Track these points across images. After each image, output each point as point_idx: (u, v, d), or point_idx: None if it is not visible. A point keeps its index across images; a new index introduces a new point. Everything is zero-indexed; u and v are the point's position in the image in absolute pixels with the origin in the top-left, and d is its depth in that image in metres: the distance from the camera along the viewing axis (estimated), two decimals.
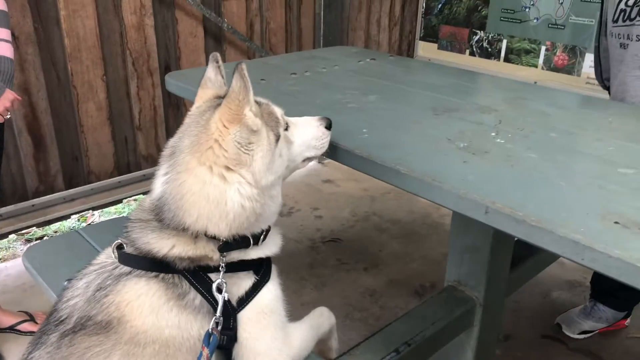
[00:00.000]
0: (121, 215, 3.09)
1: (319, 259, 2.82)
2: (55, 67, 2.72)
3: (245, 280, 1.07)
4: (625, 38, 1.83)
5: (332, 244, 2.96)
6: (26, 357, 0.99)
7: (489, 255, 1.43)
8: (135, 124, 3.10)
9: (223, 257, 1.03)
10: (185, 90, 1.75)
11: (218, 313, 1.00)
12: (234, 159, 0.97)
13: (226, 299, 1.01)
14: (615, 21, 1.85)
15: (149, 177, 1.08)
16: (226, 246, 1.02)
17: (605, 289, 2.22)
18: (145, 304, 0.97)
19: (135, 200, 3.16)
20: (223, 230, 0.99)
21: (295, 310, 1.22)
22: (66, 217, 2.97)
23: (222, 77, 1.14)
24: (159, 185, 1.02)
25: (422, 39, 4.32)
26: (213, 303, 1.01)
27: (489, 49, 3.87)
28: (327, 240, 2.99)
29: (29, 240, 2.94)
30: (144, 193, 1.33)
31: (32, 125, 2.71)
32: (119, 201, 3.11)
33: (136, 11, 2.90)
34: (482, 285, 1.48)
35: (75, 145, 2.89)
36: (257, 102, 1.03)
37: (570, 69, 3.47)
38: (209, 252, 1.02)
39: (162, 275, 1.00)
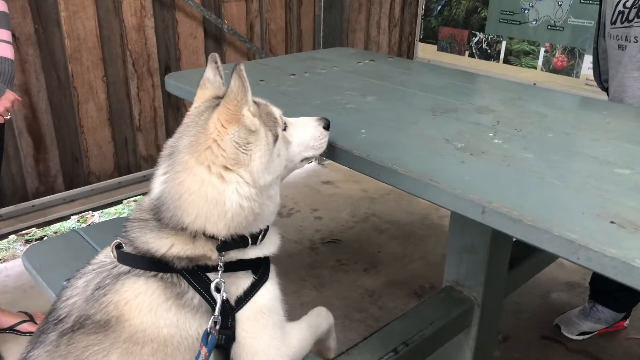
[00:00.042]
0: (121, 216, 3.09)
1: (319, 259, 2.82)
2: (56, 68, 2.72)
3: (244, 280, 1.08)
4: (624, 39, 1.84)
5: (331, 245, 2.96)
6: (25, 356, 0.99)
7: (487, 255, 1.44)
8: (135, 125, 3.10)
9: (221, 256, 1.03)
10: (185, 91, 1.76)
11: (216, 312, 1.00)
12: (232, 159, 0.98)
13: (224, 298, 1.02)
14: (614, 23, 1.86)
15: (149, 178, 1.08)
16: (224, 246, 1.03)
17: (605, 290, 2.23)
18: (144, 303, 0.98)
19: (135, 201, 3.16)
20: (221, 230, 1.00)
21: (295, 311, 1.22)
22: (66, 217, 2.97)
23: (221, 77, 1.14)
24: (157, 184, 1.03)
25: (422, 40, 4.32)
26: (211, 302, 1.02)
27: (488, 51, 3.88)
28: (327, 241, 2.99)
29: (28, 241, 2.94)
30: (144, 194, 1.34)
31: (33, 126, 2.72)
32: (119, 202, 3.12)
33: (136, 12, 2.91)
34: (481, 285, 1.48)
35: (75, 146, 2.90)
36: (255, 103, 1.03)
37: (569, 71, 3.48)
38: (208, 251, 1.03)
39: (160, 274, 1.01)
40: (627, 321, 2.32)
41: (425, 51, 4.32)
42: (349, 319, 2.36)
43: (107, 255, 1.07)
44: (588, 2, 3.26)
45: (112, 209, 3.16)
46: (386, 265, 2.79)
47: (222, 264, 1.03)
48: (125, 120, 3.06)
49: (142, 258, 1.02)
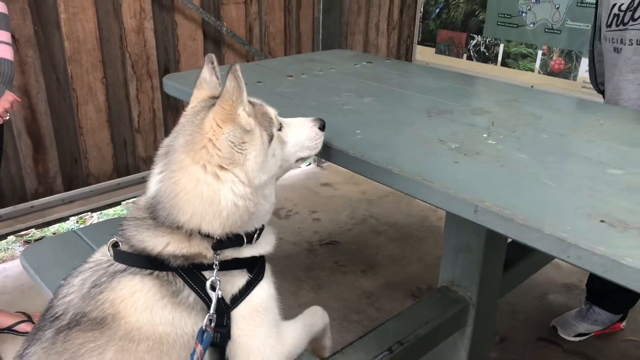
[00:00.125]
0: (119, 216, 3.10)
1: (317, 261, 2.83)
2: (55, 69, 2.74)
3: (239, 279, 1.08)
4: (619, 42, 1.85)
5: (329, 247, 2.97)
6: (21, 353, 1.00)
7: (482, 255, 1.45)
8: (135, 127, 3.11)
9: (217, 255, 1.04)
10: (183, 92, 1.77)
11: (212, 310, 1.01)
12: (228, 158, 0.99)
13: (220, 296, 1.03)
14: (609, 26, 1.87)
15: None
16: (220, 244, 1.03)
17: (601, 292, 2.23)
18: (140, 300, 0.99)
19: (133, 202, 3.17)
20: (216, 229, 1.00)
21: (292, 312, 1.24)
22: (65, 218, 2.98)
23: (217, 78, 1.16)
24: (153, 183, 1.04)
25: (420, 43, 4.34)
26: (207, 300, 1.02)
27: (486, 53, 3.89)
28: (325, 243, 3.00)
29: (27, 242, 2.95)
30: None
31: (32, 127, 2.73)
32: (118, 203, 3.12)
33: (136, 15, 2.93)
34: (475, 285, 1.49)
35: (74, 147, 2.91)
36: (250, 103, 1.04)
37: (566, 74, 3.49)
38: (203, 250, 1.03)
39: (156, 272, 1.01)
40: (624, 323, 2.32)
41: (423, 54, 4.33)
42: (347, 320, 2.36)
43: (103, 254, 1.07)
44: (585, 5, 3.28)
45: (110, 210, 3.17)
46: (384, 267, 2.79)
47: (217, 262, 1.03)
48: (124, 121, 3.07)
49: (138, 256, 1.02)
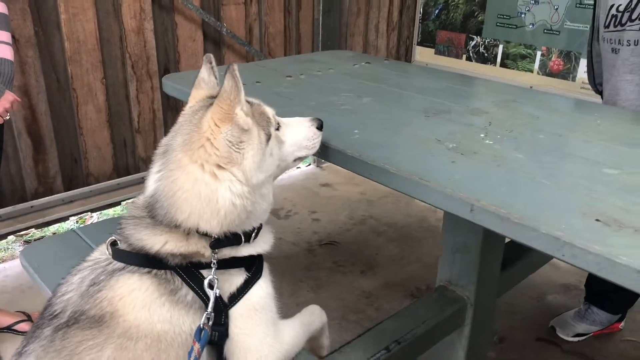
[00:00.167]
0: (118, 216, 3.11)
1: (316, 261, 2.83)
2: (55, 69, 2.74)
3: (237, 277, 1.09)
4: (617, 43, 1.86)
5: (328, 247, 2.97)
6: (20, 351, 1.00)
7: (479, 255, 1.45)
8: (135, 127, 3.12)
9: (215, 253, 1.04)
10: (182, 92, 1.78)
11: (209, 308, 1.01)
12: (225, 157, 0.99)
13: (217, 295, 1.03)
14: (607, 26, 1.88)
15: None
16: (218, 243, 1.04)
17: (600, 292, 2.23)
18: (138, 299, 0.99)
19: (132, 201, 3.18)
20: (214, 227, 1.01)
21: (291, 312, 1.24)
22: (65, 218, 2.99)
23: (216, 77, 1.16)
24: (152, 182, 1.05)
25: (420, 44, 4.35)
26: (205, 299, 1.03)
27: (485, 54, 3.90)
28: (324, 243, 3.01)
29: (27, 242, 2.96)
30: None
31: (32, 127, 2.73)
32: (118, 203, 3.13)
33: (136, 15, 2.93)
34: (473, 285, 1.49)
35: (74, 147, 2.92)
36: (248, 102, 1.05)
37: (565, 74, 3.50)
38: (201, 248, 1.04)
39: (154, 271, 1.02)
40: (622, 323, 2.32)
41: (423, 55, 4.34)
42: (346, 320, 2.37)
43: (102, 252, 1.08)
44: (584, 6, 3.28)
45: (110, 210, 3.18)
46: (383, 267, 2.80)
47: (215, 261, 1.04)
48: (124, 122, 3.07)
49: (137, 255, 1.03)
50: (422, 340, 1.41)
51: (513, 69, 3.75)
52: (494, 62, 3.85)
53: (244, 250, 1.10)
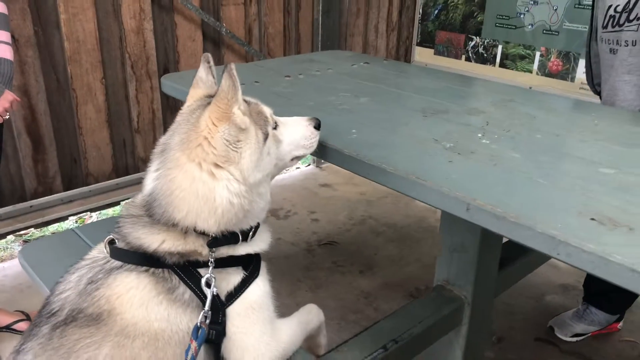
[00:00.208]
0: (118, 215, 3.11)
1: (315, 261, 2.84)
2: (55, 69, 2.75)
3: (234, 276, 1.09)
4: (615, 43, 1.86)
5: (328, 247, 2.98)
6: (18, 349, 1.01)
7: (477, 255, 1.45)
8: (134, 127, 3.12)
9: (212, 252, 1.05)
10: (181, 92, 1.78)
11: (207, 307, 1.01)
12: (223, 156, 1.00)
13: (215, 293, 1.04)
14: (605, 27, 1.89)
15: None
16: (215, 242, 1.04)
17: (598, 293, 2.24)
18: (135, 297, 0.99)
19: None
20: (212, 226, 1.01)
21: (290, 311, 1.25)
22: (64, 218, 2.99)
23: (213, 77, 1.17)
24: (150, 181, 1.05)
25: (419, 44, 4.35)
26: (202, 297, 1.03)
27: (485, 55, 3.90)
28: (323, 243, 3.01)
29: (26, 241, 2.96)
30: None
31: (32, 127, 2.74)
32: (117, 203, 3.13)
33: (135, 15, 2.94)
34: (471, 284, 1.50)
35: (74, 147, 2.92)
36: (246, 101, 1.06)
37: (564, 75, 3.50)
38: (199, 247, 1.04)
39: (152, 269, 1.02)
40: (621, 323, 2.33)
41: (422, 55, 4.34)
42: (344, 320, 2.37)
43: (100, 251, 1.08)
44: (582, 6, 3.29)
45: (110, 210, 3.18)
46: (382, 267, 2.80)
47: (212, 259, 1.05)
48: (123, 122, 3.08)
49: (134, 253, 1.03)
50: (420, 339, 1.42)
51: (512, 69, 3.76)
52: (493, 62, 3.86)
53: (242, 249, 1.10)
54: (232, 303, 1.08)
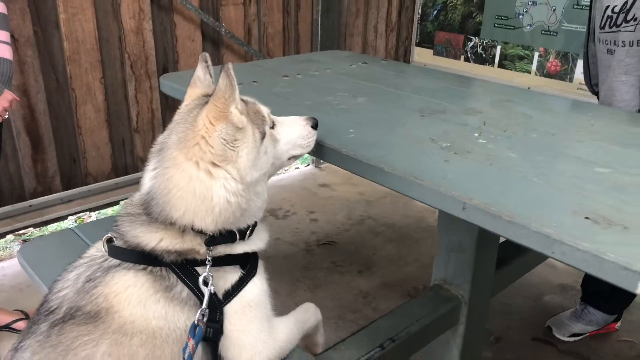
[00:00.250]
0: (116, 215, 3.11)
1: (314, 261, 2.84)
2: (54, 69, 2.76)
3: (232, 274, 1.10)
4: (612, 44, 1.87)
5: (326, 247, 2.98)
6: (17, 346, 1.02)
7: (474, 254, 1.46)
8: (133, 127, 3.13)
9: (209, 251, 1.05)
10: (180, 91, 1.77)
11: (204, 305, 1.02)
12: (220, 155, 1.00)
13: (212, 291, 1.04)
14: (602, 27, 1.89)
15: None
16: (212, 240, 1.05)
17: (596, 293, 2.24)
18: (133, 295, 1.00)
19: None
20: (209, 225, 1.02)
21: (288, 311, 1.25)
22: (63, 218, 3.00)
23: (211, 76, 1.17)
24: (147, 180, 1.06)
25: (418, 44, 4.36)
26: (200, 296, 1.04)
27: (484, 55, 3.91)
28: (322, 243, 3.01)
29: (25, 241, 2.96)
30: None
31: (31, 126, 2.75)
32: (116, 203, 3.14)
33: (135, 15, 2.95)
34: (468, 284, 1.50)
35: (73, 146, 2.93)
36: (243, 101, 1.06)
37: (563, 75, 3.51)
38: (196, 245, 1.05)
39: (150, 267, 1.03)
40: (618, 323, 2.33)
41: (421, 55, 4.35)
42: (342, 320, 2.38)
43: (98, 250, 1.09)
44: (581, 7, 3.29)
45: (109, 210, 3.19)
46: (381, 267, 2.81)
47: (210, 258, 1.05)
48: (122, 122, 3.09)
49: (132, 252, 1.04)
50: (417, 338, 1.42)
51: (511, 69, 3.76)
52: (492, 63, 3.87)
53: (239, 248, 1.11)
54: (229, 301, 1.08)
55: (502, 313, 2.43)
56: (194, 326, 1.00)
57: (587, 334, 2.29)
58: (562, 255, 0.85)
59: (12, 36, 2.43)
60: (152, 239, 1.03)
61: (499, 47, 3.80)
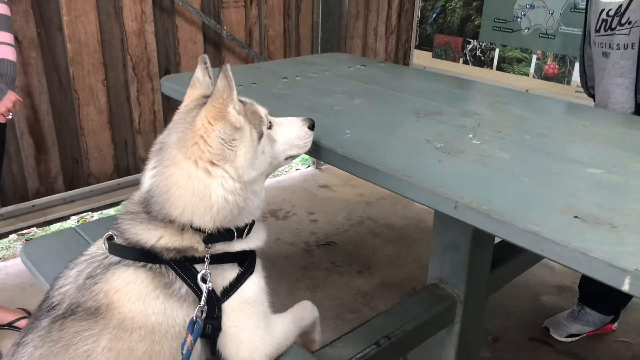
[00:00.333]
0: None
1: (313, 261, 2.86)
2: (57, 71, 2.79)
3: (230, 272, 1.12)
4: (607, 47, 1.89)
5: (326, 248, 3.00)
6: (19, 341, 1.04)
7: (469, 254, 1.48)
8: (135, 128, 3.16)
9: (208, 248, 1.08)
10: (180, 93, 1.78)
11: (202, 302, 1.04)
12: (218, 154, 1.03)
13: (210, 288, 1.06)
14: (598, 31, 1.91)
15: None
16: (211, 238, 1.07)
17: (593, 293, 2.26)
18: (133, 291, 1.02)
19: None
20: (207, 223, 1.04)
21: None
22: (66, 218, 3.02)
23: (210, 77, 1.20)
24: (147, 178, 1.08)
25: (418, 47, 4.38)
26: (198, 292, 1.06)
27: (482, 58, 3.93)
28: (322, 244, 3.03)
29: (28, 241, 2.99)
30: None
31: (34, 127, 2.77)
32: (118, 203, 3.16)
33: (137, 18, 2.98)
34: (463, 283, 1.52)
35: (75, 147, 2.95)
36: (241, 101, 1.09)
37: (560, 78, 3.53)
38: (195, 243, 1.07)
39: (149, 264, 1.05)
40: (616, 324, 2.35)
41: (420, 58, 4.37)
42: (341, 319, 2.39)
43: (99, 247, 1.11)
44: (578, 10, 3.31)
45: (111, 210, 3.21)
46: (380, 267, 2.83)
47: (208, 255, 1.07)
48: (125, 123, 3.11)
49: (132, 249, 1.06)
50: (412, 336, 1.44)
51: (509, 72, 3.78)
52: (490, 65, 3.89)
53: (237, 246, 1.13)
54: (227, 298, 1.11)
55: (500, 313, 2.44)
56: (192, 322, 1.02)
57: (584, 335, 2.30)
58: (551, 253, 0.87)
59: (16, 38, 2.45)
60: (152, 236, 1.05)
61: (497, 50, 3.82)
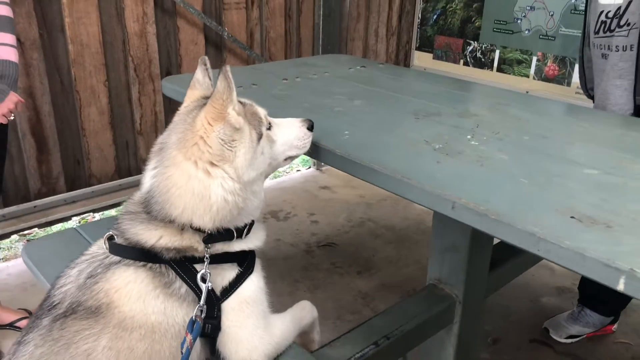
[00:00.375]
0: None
1: (314, 262, 2.87)
2: (59, 72, 2.80)
3: (229, 272, 1.13)
4: (606, 49, 1.90)
5: (326, 249, 3.01)
6: (20, 340, 1.05)
7: (468, 254, 1.48)
8: (137, 129, 3.17)
9: (207, 248, 1.09)
10: (181, 94, 1.79)
11: (202, 301, 1.05)
12: (218, 155, 1.03)
13: (210, 288, 1.07)
14: (597, 32, 1.92)
15: None
16: (210, 238, 1.08)
17: (593, 295, 2.26)
18: (133, 291, 1.03)
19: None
20: (207, 223, 1.05)
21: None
22: (67, 218, 3.03)
23: (210, 79, 1.21)
24: (147, 179, 1.09)
25: (418, 49, 4.39)
26: (198, 292, 1.07)
27: (482, 59, 3.94)
28: (322, 245, 3.04)
29: (30, 241, 3.00)
30: None
31: (36, 128, 2.79)
32: (119, 204, 3.17)
33: (139, 19, 2.99)
34: (462, 283, 1.53)
35: (77, 148, 2.97)
36: (241, 102, 1.10)
37: (560, 79, 3.53)
38: (195, 243, 1.08)
39: (149, 264, 1.06)
40: (615, 325, 2.35)
41: (421, 59, 4.38)
42: (341, 320, 2.40)
43: (99, 247, 1.12)
44: (578, 12, 3.32)
45: (112, 211, 3.22)
46: (380, 268, 2.83)
47: (208, 255, 1.08)
48: (126, 124, 3.12)
49: (132, 249, 1.07)
50: (411, 336, 1.45)
51: (509, 74, 3.79)
52: (490, 67, 3.90)
53: (236, 246, 1.14)
54: (227, 298, 1.11)
55: (500, 315, 2.45)
56: (192, 322, 1.03)
57: (584, 336, 2.30)
58: (547, 253, 0.87)
59: (18, 39, 2.47)
60: (152, 236, 1.06)
61: (497, 52, 3.83)
